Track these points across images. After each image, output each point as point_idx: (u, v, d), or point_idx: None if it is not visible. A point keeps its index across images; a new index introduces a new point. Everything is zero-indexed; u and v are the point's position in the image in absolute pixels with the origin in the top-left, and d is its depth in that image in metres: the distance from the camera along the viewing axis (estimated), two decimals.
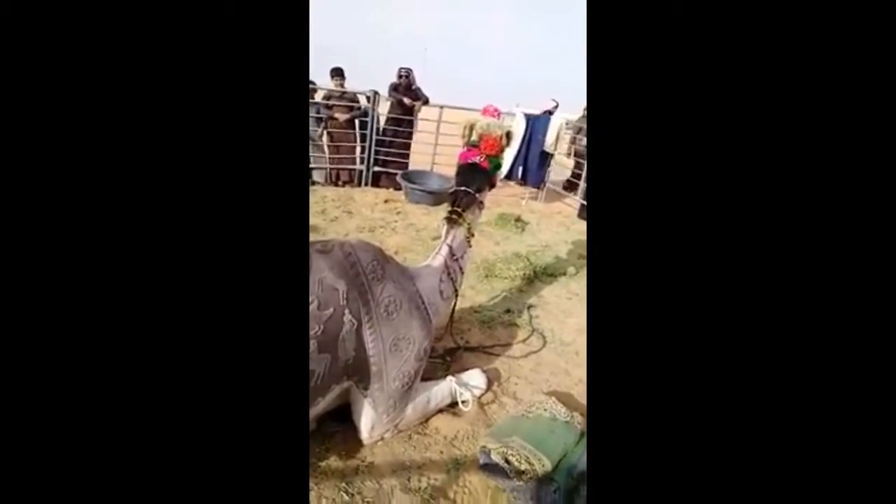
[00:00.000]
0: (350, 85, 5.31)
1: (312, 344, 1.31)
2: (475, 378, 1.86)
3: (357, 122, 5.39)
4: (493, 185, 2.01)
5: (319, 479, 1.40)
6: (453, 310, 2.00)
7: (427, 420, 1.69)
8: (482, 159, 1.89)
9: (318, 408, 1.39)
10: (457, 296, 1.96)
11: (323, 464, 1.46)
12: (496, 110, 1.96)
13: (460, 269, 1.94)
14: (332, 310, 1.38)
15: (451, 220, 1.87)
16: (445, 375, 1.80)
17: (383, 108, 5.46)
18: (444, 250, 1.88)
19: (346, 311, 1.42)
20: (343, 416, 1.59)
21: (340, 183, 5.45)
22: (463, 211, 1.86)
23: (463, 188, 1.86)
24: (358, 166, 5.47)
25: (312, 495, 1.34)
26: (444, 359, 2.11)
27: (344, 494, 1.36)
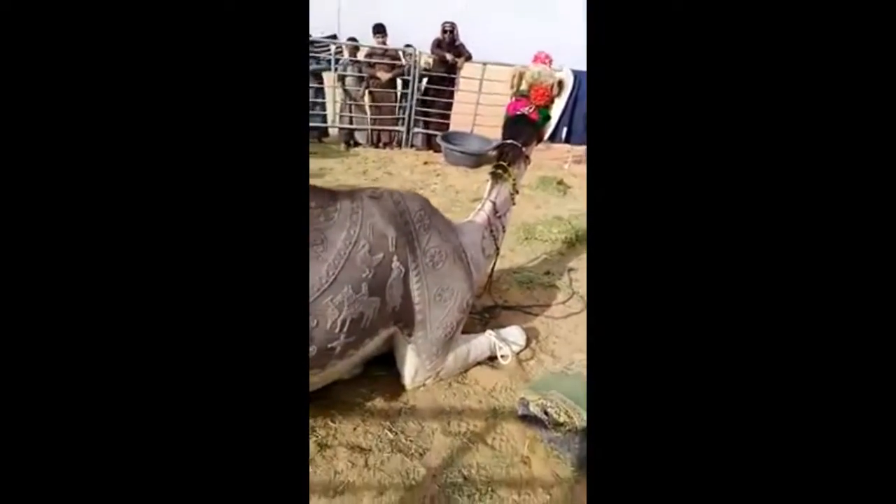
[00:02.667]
0: (392, 42, 5.19)
1: (363, 287, 1.36)
2: (514, 334, 1.87)
3: (399, 81, 5.31)
4: (540, 139, 1.94)
5: (365, 417, 1.49)
6: (493, 268, 2.00)
7: (466, 371, 1.74)
8: (531, 110, 1.82)
9: (366, 349, 1.45)
10: (497, 254, 1.95)
11: (369, 404, 1.55)
12: (547, 57, 1.86)
13: (502, 226, 1.92)
14: (381, 255, 1.42)
15: (496, 175, 1.83)
16: (485, 331, 1.83)
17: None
18: (488, 206, 1.86)
19: (395, 258, 1.45)
20: (387, 362, 1.66)
21: (381, 144, 5.45)
22: (509, 165, 1.81)
23: (510, 141, 1.80)
24: (398, 127, 5.43)
25: (359, 431, 1.44)
26: (482, 316, 2.14)
27: (388, 432, 1.45)
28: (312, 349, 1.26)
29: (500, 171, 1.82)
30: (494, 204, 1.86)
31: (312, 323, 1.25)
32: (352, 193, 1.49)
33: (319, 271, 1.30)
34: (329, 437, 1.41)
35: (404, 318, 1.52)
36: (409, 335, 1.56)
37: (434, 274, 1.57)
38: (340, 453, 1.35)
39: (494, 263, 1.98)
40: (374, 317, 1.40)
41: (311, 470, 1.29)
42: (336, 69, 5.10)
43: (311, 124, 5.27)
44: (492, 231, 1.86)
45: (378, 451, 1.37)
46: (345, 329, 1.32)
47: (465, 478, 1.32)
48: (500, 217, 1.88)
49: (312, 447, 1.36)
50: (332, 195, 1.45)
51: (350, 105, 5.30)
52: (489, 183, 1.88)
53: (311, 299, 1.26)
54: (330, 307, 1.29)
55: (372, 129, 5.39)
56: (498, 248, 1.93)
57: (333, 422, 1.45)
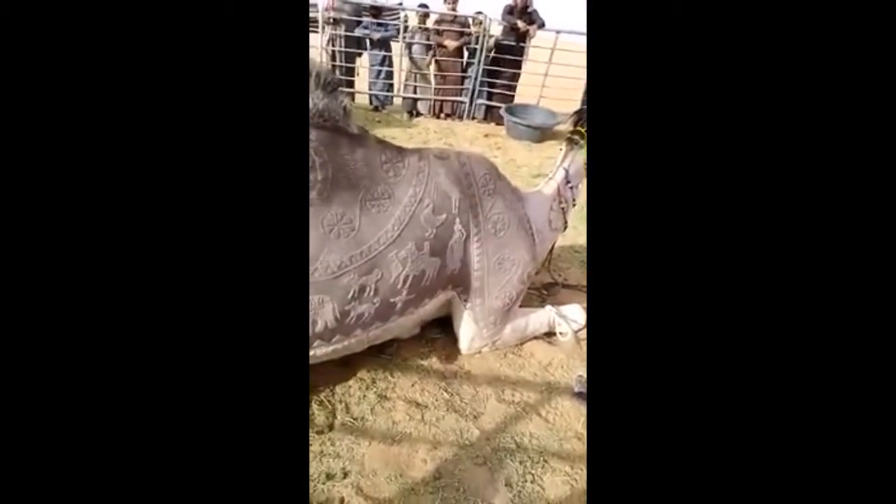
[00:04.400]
0: (463, 8, 5.05)
1: (426, 245, 1.37)
2: (575, 312, 1.83)
3: (465, 50, 5.18)
4: None
5: (422, 376, 1.54)
6: (553, 244, 1.94)
7: (523, 344, 1.73)
8: None
9: (425, 309, 1.48)
10: (565, 228, 1.88)
11: (425, 364, 1.59)
12: None
13: (573, 198, 1.85)
14: (444, 216, 1.42)
15: (572, 141, 1.75)
16: (544, 307, 1.80)
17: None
18: (560, 174, 1.79)
19: (457, 220, 1.45)
20: (443, 324, 1.69)
21: (443, 115, 5.40)
22: (584, 132, 1.72)
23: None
24: (461, 98, 5.33)
25: (416, 388, 1.49)
26: (540, 293, 2.10)
27: (444, 392, 1.49)
28: (377, 300, 1.30)
29: (576, 136, 1.74)
30: (567, 172, 1.78)
31: (378, 275, 1.29)
32: (419, 151, 1.49)
33: (386, 225, 1.32)
34: (388, 389, 1.47)
35: (462, 283, 1.53)
36: (467, 301, 1.56)
37: (495, 241, 1.55)
38: (399, 406, 1.41)
39: (556, 239, 1.92)
40: (434, 277, 1.42)
41: (370, 418, 1.36)
42: (404, 37, 5.07)
43: (376, 93, 5.33)
44: (561, 203, 1.80)
45: (434, 408, 1.42)
46: (407, 285, 1.35)
47: (517, 445, 1.33)
48: (571, 187, 1.80)
49: (373, 398, 1.43)
50: (401, 151, 1.45)
51: (415, 74, 5.27)
52: (563, 150, 1.80)
53: (377, 251, 1.29)
54: (395, 261, 1.32)
55: (434, 100, 5.34)
56: (566, 222, 1.86)
57: (392, 377, 1.52)
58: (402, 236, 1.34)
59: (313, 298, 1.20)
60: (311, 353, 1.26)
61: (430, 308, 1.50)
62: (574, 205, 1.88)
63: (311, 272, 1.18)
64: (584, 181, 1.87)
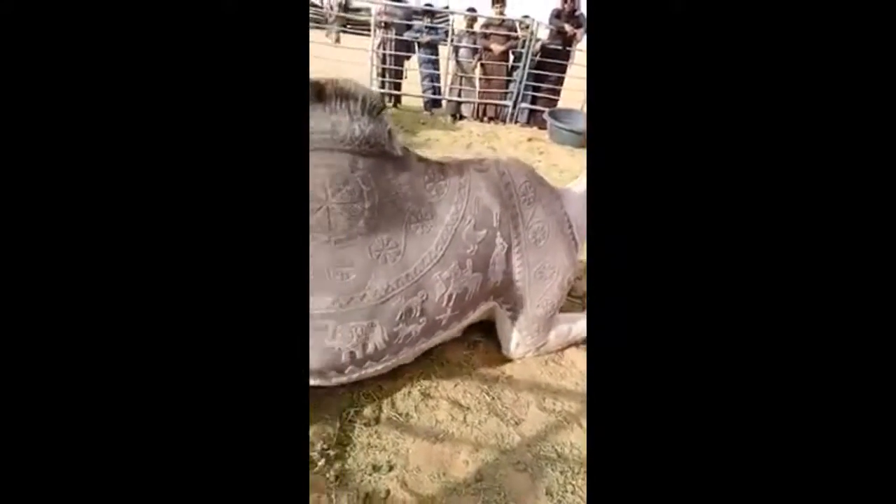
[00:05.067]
0: (512, 11, 5.05)
1: (468, 263, 1.39)
2: None
3: (511, 54, 5.18)
4: None
5: (464, 378, 1.57)
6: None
7: (564, 351, 1.73)
8: None
9: (467, 321, 1.51)
10: None
11: (468, 366, 1.62)
12: None
13: None
14: (485, 231, 1.44)
15: None
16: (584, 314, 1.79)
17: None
18: None
19: (498, 234, 1.46)
20: (485, 328, 1.71)
21: (486, 119, 5.42)
22: None
23: None
24: (505, 102, 5.33)
25: (458, 390, 1.52)
26: (582, 300, 2.08)
27: (486, 396, 1.51)
28: (423, 320, 1.34)
29: None
30: None
31: (423, 296, 1.32)
32: (460, 166, 1.50)
33: (429, 246, 1.35)
34: (431, 388, 1.51)
35: (504, 294, 1.54)
36: (510, 310, 1.58)
37: (535, 250, 1.55)
38: (442, 405, 1.45)
39: None
40: (476, 292, 1.44)
41: (414, 415, 1.41)
42: (451, 40, 5.13)
43: (424, 95, 5.42)
44: None
45: (476, 410, 1.45)
46: (451, 303, 1.38)
47: (558, 454, 1.33)
48: None
49: (417, 395, 1.48)
50: (442, 169, 1.46)
51: (460, 77, 5.32)
52: None
53: (422, 272, 1.32)
54: (438, 282, 1.34)
55: (478, 103, 5.37)
56: None
57: (436, 376, 1.56)
58: (445, 256, 1.36)
59: (364, 322, 1.24)
60: (363, 371, 1.31)
61: (472, 319, 1.53)
62: None
63: (360, 298, 1.24)
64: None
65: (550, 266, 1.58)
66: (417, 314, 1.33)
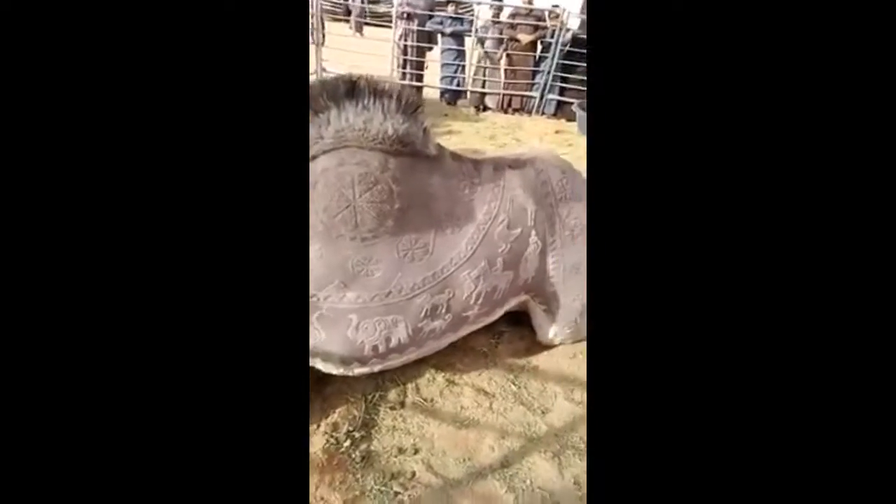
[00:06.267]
0: (539, 2, 4.95)
1: (499, 261, 1.37)
2: None
3: (540, 44, 5.08)
4: None
5: (490, 366, 1.56)
6: None
7: None
8: None
9: (496, 316, 1.48)
10: None
11: (493, 355, 1.61)
12: None
13: None
14: (519, 230, 1.41)
15: None
16: None
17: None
18: None
19: (533, 233, 1.43)
20: (512, 318, 1.69)
21: (511, 110, 5.35)
22: None
23: None
24: (531, 93, 5.24)
25: (483, 378, 1.51)
26: None
27: (512, 385, 1.49)
28: (448, 317, 1.33)
29: None
30: None
31: (450, 294, 1.31)
32: (495, 163, 1.47)
33: (459, 245, 1.33)
34: (456, 375, 1.50)
35: (537, 289, 1.51)
36: (543, 304, 1.55)
37: (572, 247, 1.52)
38: (466, 392, 1.44)
39: None
40: (506, 289, 1.42)
41: (438, 400, 1.40)
42: (476, 30, 5.07)
43: (446, 87, 5.39)
44: None
45: (502, 398, 1.43)
46: (479, 301, 1.36)
47: (586, 445, 1.31)
48: None
49: (442, 381, 1.47)
50: (477, 166, 1.43)
51: (485, 68, 5.25)
52: None
53: (450, 272, 1.30)
54: (467, 280, 1.32)
55: (503, 94, 5.30)
56: None
57: (461, 363, 1.55)
58: (475, 255, 1.34)
59: (388, 318, 1.24)
60: (386, 363, 1.30)
61: (502, 313, 1.50)
62: None
63: (385, 294, 1.23)
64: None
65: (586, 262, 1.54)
66: (443, 311, 1.31)
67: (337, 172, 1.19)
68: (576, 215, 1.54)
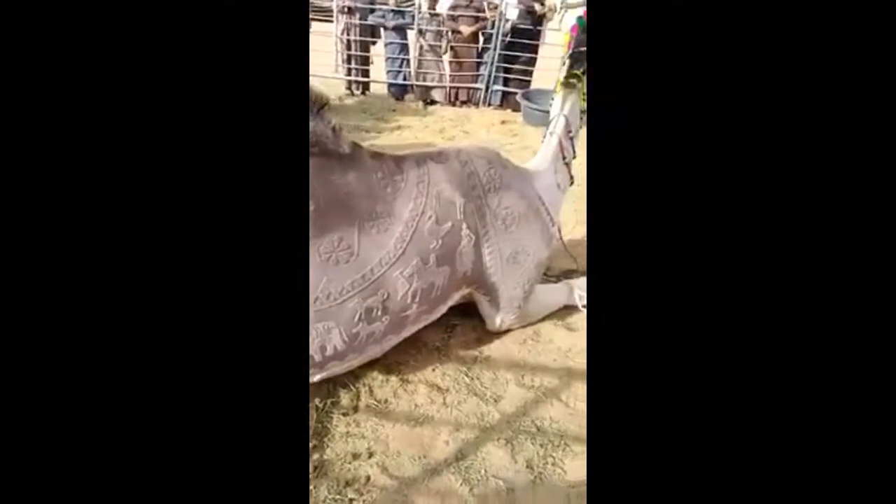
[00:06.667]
0: None
1: (431, 258, 1.36)
2: None
3: (481, 35, 5.10)
4: None
5: (443, 360, 1.57)
6: (560, 232, 1.90)
7: (540, 329, 1.74)
8: None
9: (438, 312, 1.48)
10: (572, 182, 1.84)
11: (446, 349, 1.62)
12: None
13: (573, 149, 1.80)
14: (450, 224, 1.41)
15: (569, 85, 1.68)
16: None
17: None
18: (560, 124, 1.73)
19: (464, 226, 1.43)
20: (463, 310, 1.70)
21: (458, 103, 5.36)
22: (582, 74, 1.67)
23: (581, 49, 1.65)
24: (477, 85, 5.27)
25: (436, 374, 1.51)
26: (558, 279, 2.09)
27: (465, 377, 1.51)
28: (386, 319, 1.30)
29: (573, 80, 1.67)
30: (567, 120, 1.73)
31: (384, 295, 1.29)
32: (418, 159, 1.45)
33: (387, 244, 1.31)
34: (410, 373, 1.50)
35: (477, 281, 1.53)
36: (486, 294, 1.57)
37: (506, 236, 1.53)
38: (420, 389, 1.44)
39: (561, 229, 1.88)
40: (444, 284, 1.41)
41: (392, 401, 1.40)
42: (417, 24, 5.02)
43: (392, 82, 5.31)
44: (564, 158, 1.75)
45: (455, 391, 1.45)
46: (416, 299, 1.35)
47: (538, 428, 1.35)
48: (571, 137, 1.76)
49: (395, 381, 1.46)
50: (399, 163, 1.41)
51: (429, 62, 5.22)
52: (559, 96, 1.73)
53: (380, 272, 1.28)
54: (400, 280, 1.31)
55: (450, 87, 5.29)
56: (572, 177, 1.82)
57: (414, 361, 1.55)
58: (405, 254, 1.32)
59: (319, 325, 1.20)
60: (325, 373, 1.27)
61: (445, 308, 1.50)
62: (575, 157, 1.82)
63: (313, 301, 1.19)
64: (584, 128, 1.82)
65: (524, 250, 1.56)
66: (379, 313, 1.29)
67: None
68: (506, 205, 1.54)
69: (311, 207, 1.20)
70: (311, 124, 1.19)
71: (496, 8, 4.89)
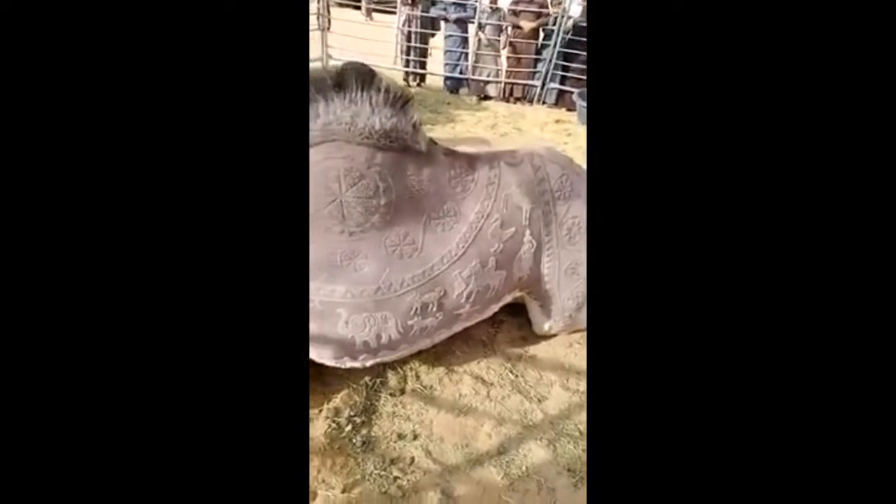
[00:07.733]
0: None
1: (491, 261, 1.37)
2: None
3: (542, 31, 5.01)
4: None
5: (488, 355, 1.58)
6: None
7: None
8: None
9: (489, 312, 1.49)
10: None
11: (492, 344, 1.63)
12: None
13: None
14: (513, 229, 1.41)
15: None
16: None
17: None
18: None
19: (527, 232, 1.43)
20: (511, 307, 1.70)
21: (513, 99, 5.30)
22: None
23: None
24: (533, 82, 5.19)
25: (481, 367, 1.53)
26: None
27: (510, 373, 1.52)
28: (440, 315, 1.34)
29: None
30: None
31: (440, 293, 1.32)
32: (491, 159, 1.44)
33: (450, 243, 1.33)
34: (455, 364, 1.53)
35: (531, 286, 1.52)
36: (538, 300, 1.56)
37: (568, 249, 1.51)
38: (465, 380, 1.47)
39: None
40: (499, 288, 1.42)
41: (438, 388, 1.43)
42: (478, 18, 4.99)
43: (449, 75, 5.33)
44: None
45: (499, 386, 1.46)
46: (471, 300, 1.37)
47: (580, 433, 1.34)
48: None
49: (441, 370, 1.50)
50: (471, 162, 1.41)
51: (486, 56, 5.19)
52: None
53: (440, 270, 1.31)
54: (458, 279, 1.33)
55: (505, 83, 5.24)
56: None
57: (460, 352, 1.57)
58: (466, 254, 1.34)
59: (377, 314, 1.25)
60: (377, 359, 1.32)
61: (496, 308, 1.51)
62: None
63: (373, 290, 1.24)
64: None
65: (583, 263, 1.53)
66: (434, 308, 1.32)
67: (323, 166, 1.19)
68: (574, 214, 1.52)
69: (384, 201, 1.25)
70: (393, 120, 1.22)
71: (559, 4, 4.77)
